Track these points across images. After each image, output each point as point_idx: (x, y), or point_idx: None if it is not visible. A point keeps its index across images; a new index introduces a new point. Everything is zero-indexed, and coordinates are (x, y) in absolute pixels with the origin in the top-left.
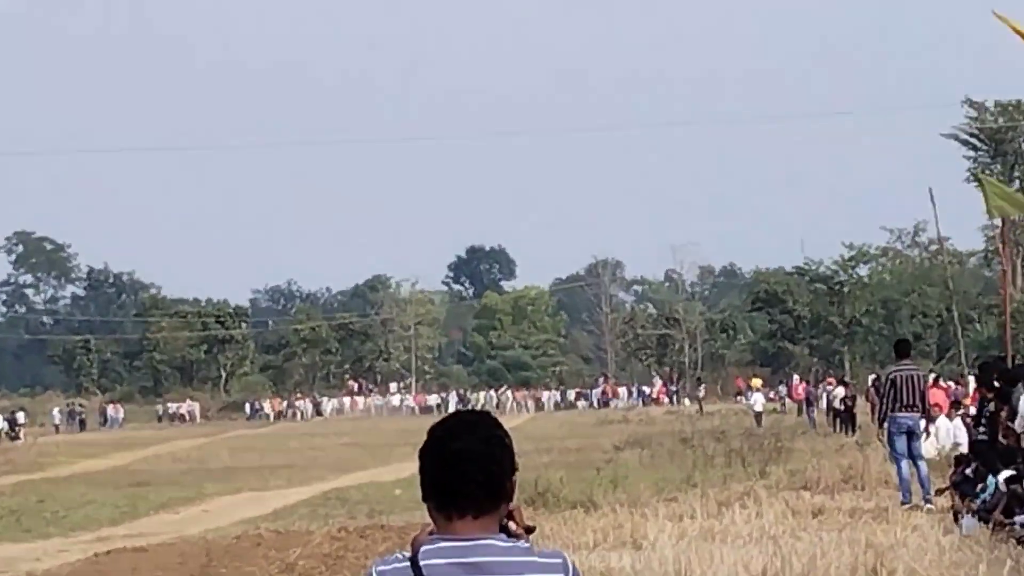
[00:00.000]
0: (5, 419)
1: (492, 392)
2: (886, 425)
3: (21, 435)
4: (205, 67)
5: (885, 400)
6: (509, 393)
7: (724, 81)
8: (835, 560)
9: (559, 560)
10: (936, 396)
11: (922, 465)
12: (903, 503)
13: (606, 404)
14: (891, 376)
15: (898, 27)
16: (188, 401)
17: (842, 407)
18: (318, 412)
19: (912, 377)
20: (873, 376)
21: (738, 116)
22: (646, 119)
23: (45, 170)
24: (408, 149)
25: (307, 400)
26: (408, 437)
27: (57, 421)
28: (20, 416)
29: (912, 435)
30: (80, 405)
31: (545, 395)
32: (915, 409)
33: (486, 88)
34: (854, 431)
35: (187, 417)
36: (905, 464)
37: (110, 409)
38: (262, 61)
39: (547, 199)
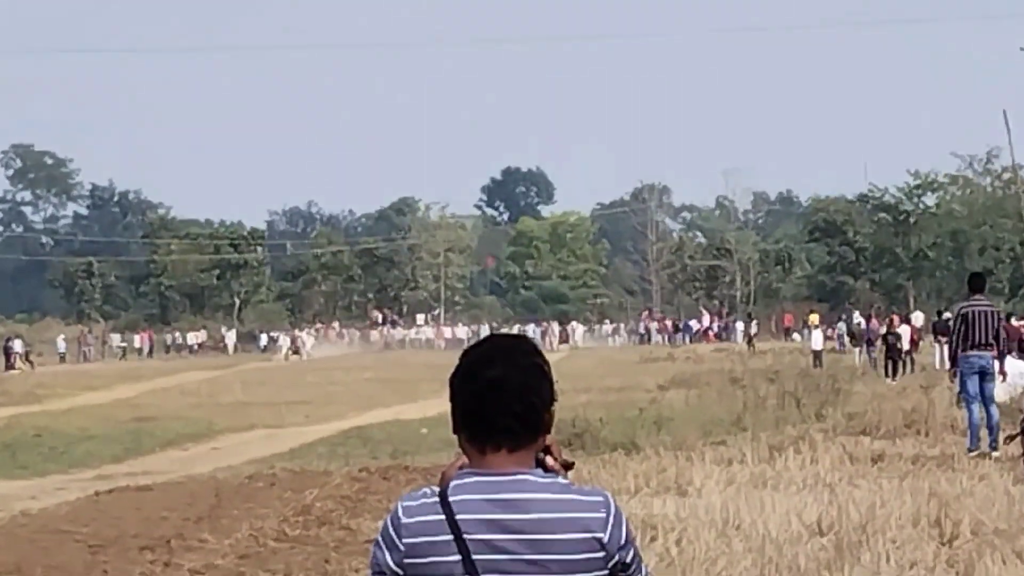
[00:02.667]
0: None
1: (533, 326)
2: (959, 363)
3: (16, 364)
4: None
5: (955, 338)
6: (555, 327)
7: None
8: (896, 510)
9: (601, 499)
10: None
11: (993, 409)
12: (969, 450)
13: (648, 339)
14: (962, 312)
15: None
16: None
17: (907, 347)
18: (295, 351)
19: (985, 313)
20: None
21: (795, 22)
22: (695, 25)
23: (46, 76)
24: (439, 60)
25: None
26: (436, 373)
27: (62, 350)
28: (17, 344)
29: (984, 375)
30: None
31: (578, 328)
32: (988, 347)
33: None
34: (894, 375)
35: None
36: (976, 407)
37: (138, 339)
38: None
39: (589, 117)
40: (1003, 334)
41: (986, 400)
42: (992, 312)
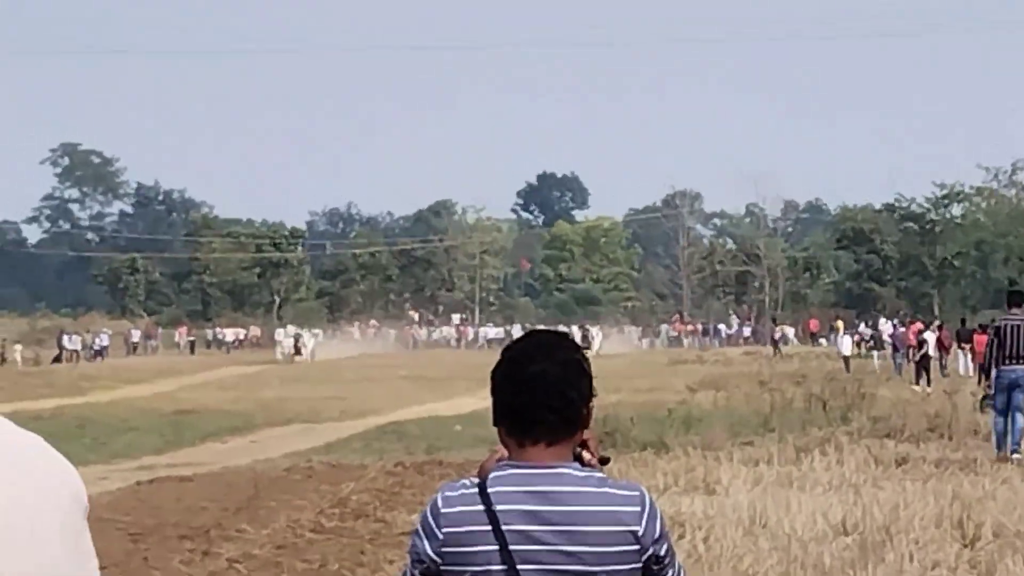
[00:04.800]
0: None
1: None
2: (992, 376)
3: (63, 357)
4: None
5: (991, 350)
6: (597, 330)
7: None
8: (919, 511)
9: (637, 493)
10: None
11: (1019, 417)
12: (998, 455)
13: (680, 343)
14: (997, 325)
15: None
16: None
17: (935, 354)
18: (297, 351)
19: (1019, 327)
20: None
21: (825, 34)
22: (728, 36)
23: (94, 76)
24: (476, 65)
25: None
26: (470, 372)
27: (106, 343)
28: (72, 339)
29: (1017, 388)
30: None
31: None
32: (1021, 361)
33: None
34: (929, 382)
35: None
36: (1002, 420)
37: (177, 335)
38: None
39: (623, 124)
40: None
41: (1014, 409)
42: None
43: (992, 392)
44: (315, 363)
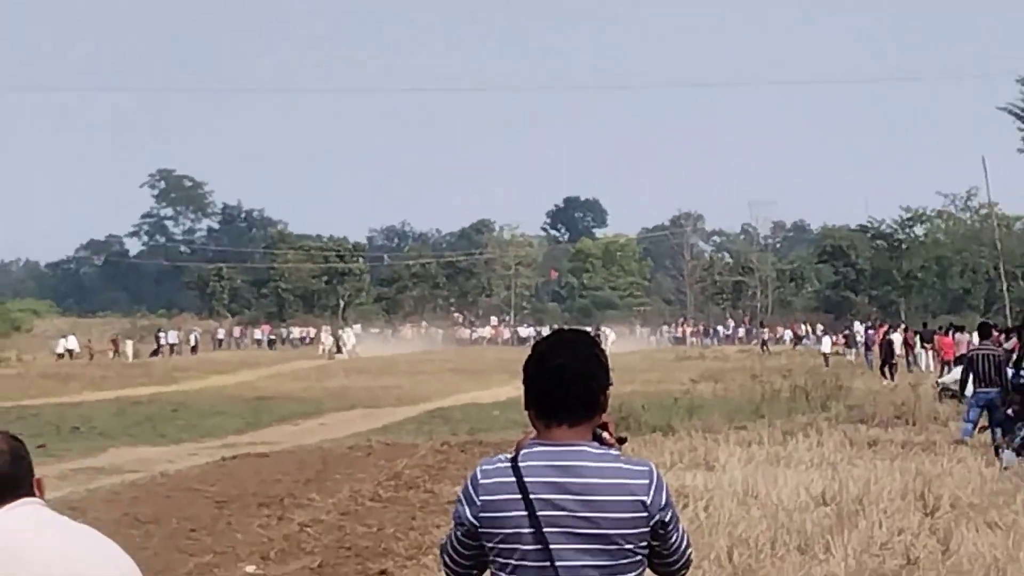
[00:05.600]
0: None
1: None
2: (968, 395)
3: (161, 351)
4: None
5: (964, 376)
6: (609, 330)
7: (798, 50)
8: (887, 485)
9: (646, 468)
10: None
11: (998, 431)
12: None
13: (681, 342)
14: (969, 355)
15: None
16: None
17: (901, 352)
18: (338, 349)
19: (988, 356)
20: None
21: (811, 78)
22: (727, 80)
23: (186, 111)
24: (514, 105)
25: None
26: (506, 365)
27: (194, 342)
28: (169, 335)
29: (991, 407)
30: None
31: (611, 335)
32: (993, 384)
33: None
34: (892, 374)
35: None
36: (970, 427)
37: (260, 332)
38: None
39: (638, 156)
40: (1005, 370)
41: (993, 423)
42: (993, 355)
43: (968, 407)
44: (359, 359)
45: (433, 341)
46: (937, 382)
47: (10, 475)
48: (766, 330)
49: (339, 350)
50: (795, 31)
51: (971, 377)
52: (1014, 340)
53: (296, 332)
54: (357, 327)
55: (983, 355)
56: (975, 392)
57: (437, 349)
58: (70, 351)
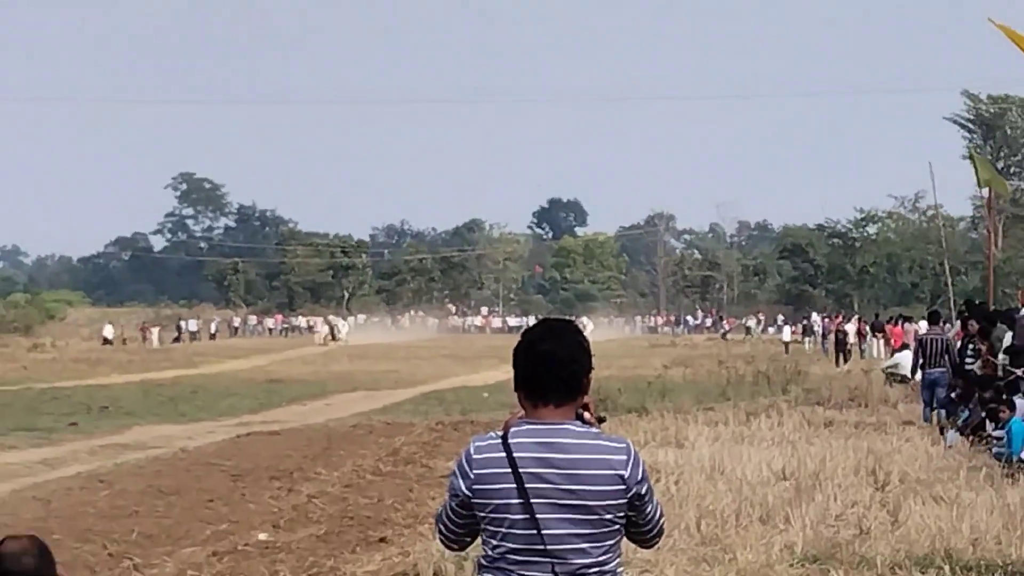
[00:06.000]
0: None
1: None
2: (918, 376)
3: (182, 338)
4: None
5: (916, 357)
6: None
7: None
8: (842, 462)
9: (624, 445)
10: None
11: (941, 413)
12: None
13: (654, 331)
14: (921, 339)
15: (906, 22)
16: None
17: (855, 340)
18: (333, 337)
19: (935, 340)
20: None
21: (772, 92)
22: (699, 95)
23: (204, 119)
24: (502, 114)
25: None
26: (495, 352)
27: (214, 330)
28: (190, 324)
29: (936, 385)
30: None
31: (589, 324)
32: (940, 365)
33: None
34: (846, 360)
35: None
36: (927, 410)
37: (273, 321)
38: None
39: (616, 161)
40: (952, 355)
41: (938, 401)
42: (942, 339)
43: (920, 387)
44: (351, 346)
45: (429, 330)
46: (883, 368)
47: (38, 571)
48: (726, 322)
49: (334, 338)
50: (763, 49)
51: (920, 360)
52: (957, 327)
53: (303, 321)
54: (361, 317)
55: (932, 339)
56: (923, 374)
57: (432, 337)
58: (109, 339)
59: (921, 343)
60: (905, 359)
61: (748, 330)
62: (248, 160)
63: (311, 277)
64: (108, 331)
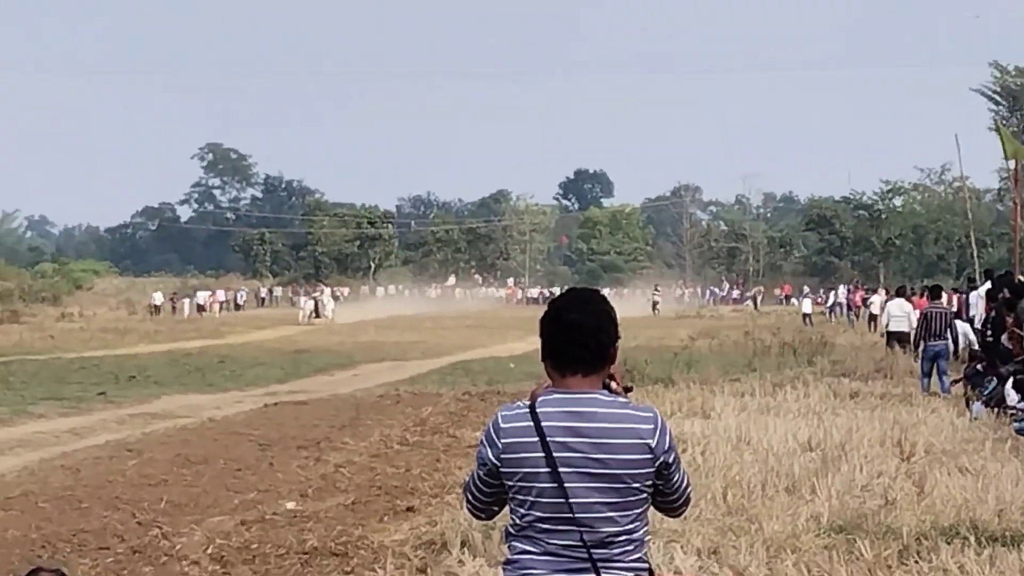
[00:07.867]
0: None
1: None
2: (921, 348)
3: (208, 308)
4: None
5: (919, 330)
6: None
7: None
8: (867, 433)
9: (651, 414)
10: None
11: (945, 379)
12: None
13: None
14: (925, 312)
15: None
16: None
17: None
18: (317, 314)
19: (939, 314)
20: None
21: (801, 63)
22: (726, 67)
23: (232, 88)
24: (530, 87)
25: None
26: (521, 323)
27: (242, 300)
28: (205, 295)
29: (939, 357)
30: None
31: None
32: (941, 338)
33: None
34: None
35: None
36: (926, 381)
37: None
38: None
39: (642, 133)
40: (953, 324)
41: (940, 372)
42: (943, 312)
43: (921, 359)
44: (336, 324)
45: (455, 300)
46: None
47: None
48: (755, 290)
49: (318, 315)
50: (790, 21)
51: (924, 332)
52: (957, 299)
53: (327, 291)
54: (381, 289)
55: (935, 312)
56: (925, 346)
57: (458, 307)
58: (156, 306)
59: (925, 317)
60: None
61: (787, 298)
62: (275, 130)
63: (337, 248)
64: (157, 297)
